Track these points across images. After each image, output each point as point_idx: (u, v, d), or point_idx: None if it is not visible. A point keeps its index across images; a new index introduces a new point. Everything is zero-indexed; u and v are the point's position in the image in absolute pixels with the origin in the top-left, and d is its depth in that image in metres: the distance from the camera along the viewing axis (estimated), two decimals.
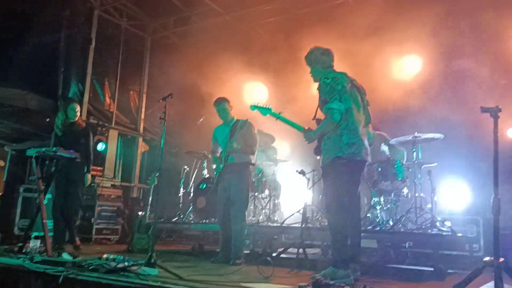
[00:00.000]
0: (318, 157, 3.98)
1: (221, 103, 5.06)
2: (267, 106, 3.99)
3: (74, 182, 5.52)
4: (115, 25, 9.36)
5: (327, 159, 3.66)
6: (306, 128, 3.86)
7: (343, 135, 3.60)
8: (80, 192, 5.63)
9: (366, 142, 3.75)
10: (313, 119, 3.87)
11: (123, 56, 9.53)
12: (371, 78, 5.88)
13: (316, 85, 3.90)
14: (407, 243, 5.68)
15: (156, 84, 10.02)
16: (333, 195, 3.64)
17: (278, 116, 3.92)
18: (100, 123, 8.67)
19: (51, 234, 6.52)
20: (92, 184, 7.67)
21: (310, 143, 3.83)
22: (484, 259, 2.57)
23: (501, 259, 2.51)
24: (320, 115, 3.85)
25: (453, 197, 6.60)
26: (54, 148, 4.83)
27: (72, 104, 5.64)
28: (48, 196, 6.48)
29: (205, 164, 6.87)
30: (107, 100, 9.22)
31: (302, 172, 5.40)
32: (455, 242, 5.64)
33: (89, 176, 5.54)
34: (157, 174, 4.24)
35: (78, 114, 5.59)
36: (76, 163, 5.28)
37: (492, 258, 2.52)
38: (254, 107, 4.02)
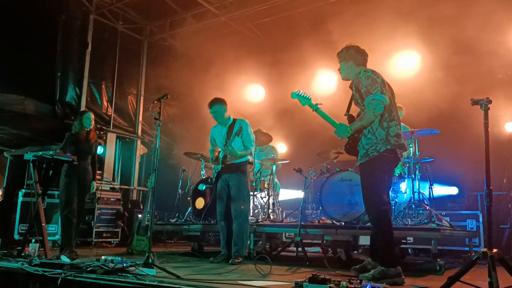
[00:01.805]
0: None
1: (214, 106, 4.98)
2: (307, 96, 3.91)
3: (86, 189, 5.57)
4: (111, 28, 9.38)
5: (372, 153, 3.56)
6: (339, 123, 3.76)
7: (390, 127, 3.57)
8: (86, 199, 5.73)
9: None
10: (345, 115, 3.80)
11: (120, 59, 9.55)
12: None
13: (345, 82, 3.91)
14: (406, 238, 5.68)
15: (154, 86, 10.05)
16: (378, 191, 3.53)
17: (315, 108, 3.83)
18: (98, 126, 8.67)
19: (56, 237, 6.61)
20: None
21: (342, 138, 3.75)
22: (478, 250, 2.57)
23: (495, 250, 2.52)
24: (353, 111, 3.82)
25: (451, 192, 6.61)
26: (51, 152, 4.84)
27: (87, 113, 5.78)
28: (47, 200, 6.53)
29: (203, 165, 6.88)
30: (105, 103, 9.23)
31: (299, 170, 5.40)
32: (455, 237, 5.65)
33: (95, 183, 5.71)
34: (154, 175, 4.23)
35: (93, 123, 5.70)
36: (89, 171, 5.53)
37: (486, 249, 2.53)
38: (295, 95, 3.92)
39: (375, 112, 3.50)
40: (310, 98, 3.89)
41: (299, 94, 3.90)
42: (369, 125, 3.58)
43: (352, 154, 3.78)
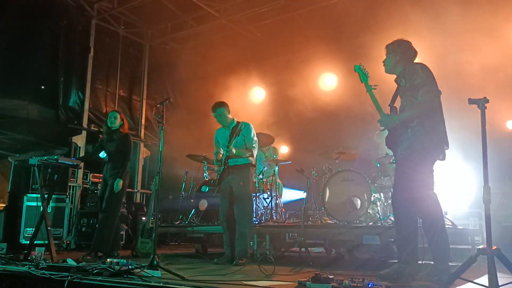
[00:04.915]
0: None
1: (217, 109, 5.06)
2: (366, 74, 3.78)
3: (106, 190, 5.45)
4: (113, 33, 9.45)
5: (418, 148, 3.38)
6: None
7: (441, 123, 3.46)
8: (117, 197, 5.39)
9: None
10: (389, 105, 3.65)
11: (122, 63, 9.61)
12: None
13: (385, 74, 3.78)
14: None
15: (156, 89, 10.11)
16: (424, 187, 3.40)
17: (370, 89, 3.69)
18: (101, 130, 8.72)
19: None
20: (96, 191, 7.73)
21: (386, 128, 3.62)
22: (477, 247, 2.62)
23: (494, 247, 2.55)
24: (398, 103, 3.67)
25: (454, 191, 6.62)
26: (56, 156, 4.90)
27: (111, 112, 5.73)
28: (52, 204, 6.59)
29: (206, 167, 6.93)
30: (107, 107, 9.29)
31: (301, 171, 5.44)
32: (457, 235, 5.67)
33: (120, 182, 5.33)
34: (158, 177, 4.28)
35: (118, 122, 5.54)
36: (113, 171, 5.39)
37: (485, 246, 2.57)
38: (358, 68, 3.80)
39: (431, 104, 3.38)
40: (368, 77, 3.76)
41: (361, 69, 3.78)
42: (417, 117, 3.41)
43: (391, 146, 3.65)
